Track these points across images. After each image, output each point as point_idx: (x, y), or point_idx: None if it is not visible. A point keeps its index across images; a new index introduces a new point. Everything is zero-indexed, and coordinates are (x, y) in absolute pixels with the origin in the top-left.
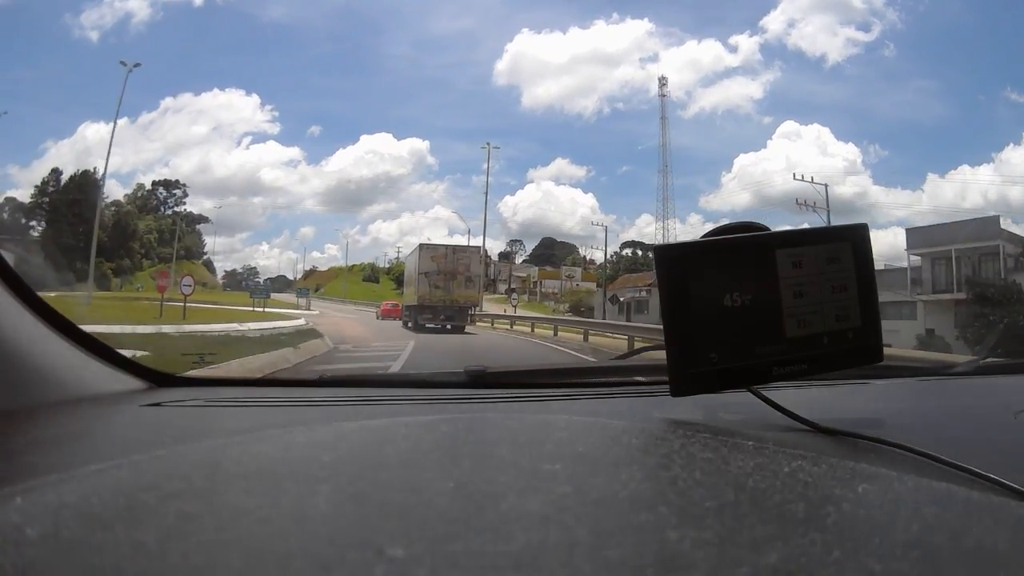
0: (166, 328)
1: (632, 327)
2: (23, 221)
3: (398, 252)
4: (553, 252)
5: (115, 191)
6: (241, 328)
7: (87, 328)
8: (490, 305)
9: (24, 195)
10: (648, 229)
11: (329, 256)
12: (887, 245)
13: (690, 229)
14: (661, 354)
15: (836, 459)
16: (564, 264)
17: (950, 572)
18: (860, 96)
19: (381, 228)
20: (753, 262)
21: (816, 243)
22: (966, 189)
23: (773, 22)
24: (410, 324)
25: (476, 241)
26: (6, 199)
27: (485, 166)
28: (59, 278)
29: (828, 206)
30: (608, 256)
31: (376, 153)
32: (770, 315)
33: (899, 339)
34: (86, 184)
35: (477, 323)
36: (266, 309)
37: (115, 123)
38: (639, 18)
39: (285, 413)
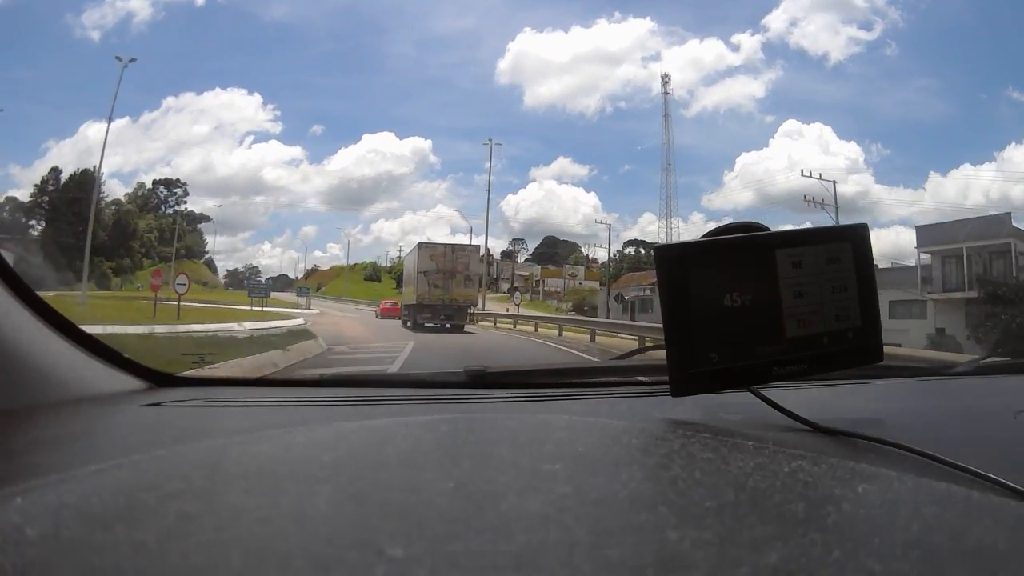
0: (152, 328)
1: (642, 327)
2: (23, 220)
3: (400, 251)
4: (555, 251)
5: (117, 191)
6: (233, 328)
7: None
8: (493, 304)
9: (25, 195)
10: (651, 228)
11: (331, 255)
12: (890, 244)
13: (693, 228)
14: (661, 354)
15: (836, 459)
16: (567, 263)
17: (950, 572)
18: (862, 95)
19: (383, 227)
20: (753, 262)
21: (816, 243)
22: (968, 188)
23: (775, 21)
24: (409, 323)
25: (478, 239)
26: (7, 199)
27: (487, 164)
28: (58, 277)
29: (836, 203)
30: (611, 255)
31: (378, 152)
32: (770, 315)
33: (909, 338)
34: (86, 183)
35: (479, 322)
36: (265, 308)
37: (110, 120)
38: (641, 17)
39: (285, 413)
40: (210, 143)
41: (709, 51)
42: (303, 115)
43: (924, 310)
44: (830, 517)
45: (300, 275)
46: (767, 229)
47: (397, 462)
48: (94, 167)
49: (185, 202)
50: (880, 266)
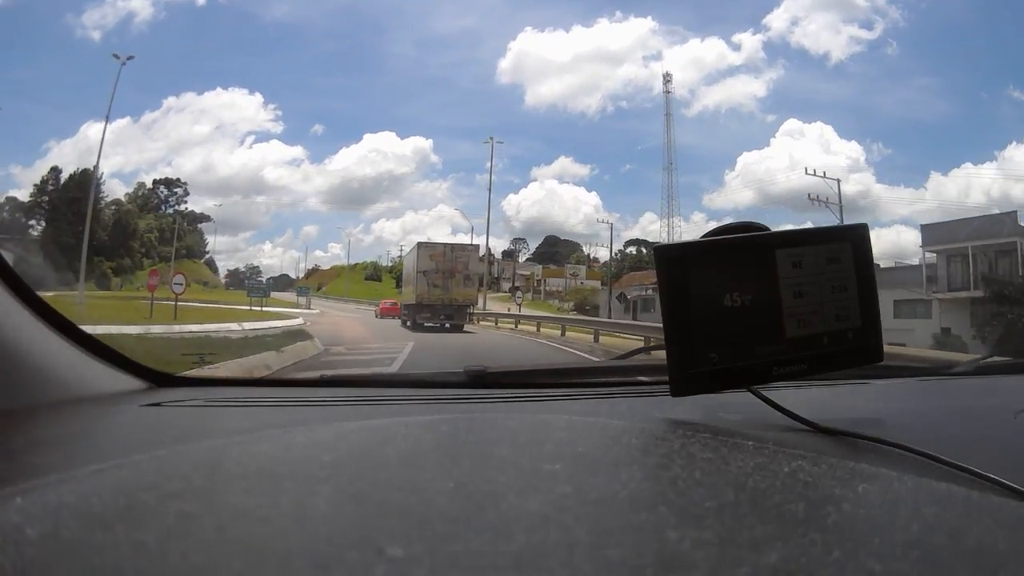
0: (146, 329)
1: (647, 327)
2: (23, 220)
3: (401, 251)
4: (557, 250)
5: (118, 191)
6: (228, 328)
7: None
8: (494, 304)
9: (25, 195)
10: (652, 227)
11: (332, 255)
12: (891, 243)
13: (694, 227)
14: (661, 354)
15: (836, 459)
16: (568, 262)
17: (950, 572)
18: (863, 94)
19: (384, 227)
20: (753, 262)
21: (816, 243)
22: (969, 187)
23: (776, 20)
24: (409, 323)
25: (480, 239)
26: (7, 199)
27: (488, 163)
28: (58, 277)
29: (840, 201)
30: (613, 254)
31: (379, 152)
32: (770, 315)
33: (914, 338)
34: (86, 183)
35: (480, 322)
36: (264, 308)
37: (107, 118)
38: (642, 16)
39: (285, 413)
40: (211, 143)
41: (710, 50)
42: (304, 115)
43: (929, 309)
44: (830, 517)
45: (301, 275)
46: (767, 229)
47: (397, 462)
48: (94, 167)
49: (185, 202)
50: (884, 265)
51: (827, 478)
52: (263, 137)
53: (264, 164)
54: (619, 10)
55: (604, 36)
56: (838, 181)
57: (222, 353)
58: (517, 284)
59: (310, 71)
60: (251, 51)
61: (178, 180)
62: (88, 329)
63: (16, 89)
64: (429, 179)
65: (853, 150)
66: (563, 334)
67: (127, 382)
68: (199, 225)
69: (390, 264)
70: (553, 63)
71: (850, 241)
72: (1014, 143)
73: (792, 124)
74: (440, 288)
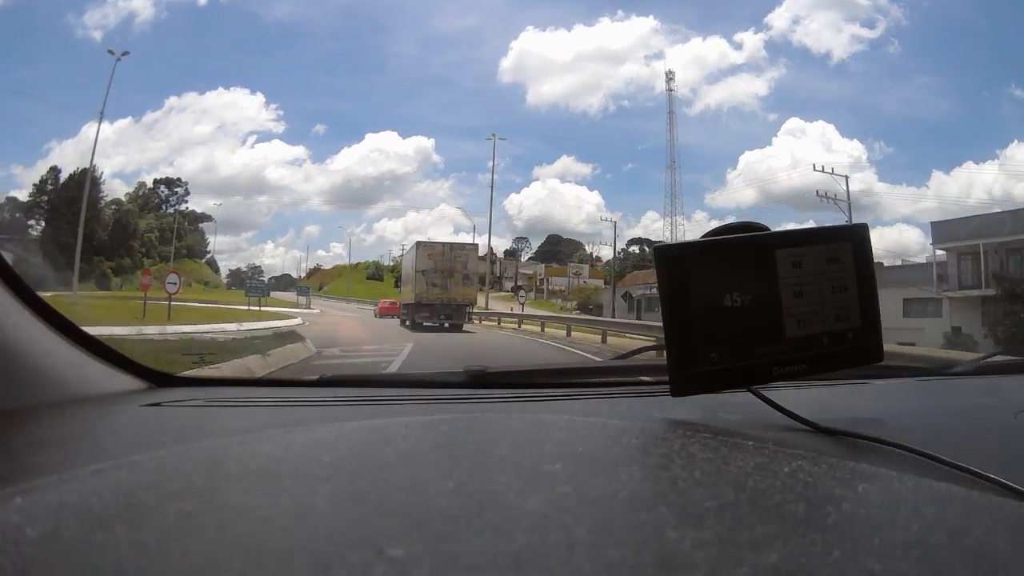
0: (128, 330)
1: (655, 327)
2: (23, 220)
3: (402, 250)
4: (559, 249)
5: (120, 191)
6: (220, 329)
7: None
8: (497, 303)
9: (26, 195)
10: (654, 226)
11: (335, 254)
12: (893, 242)
13: (696, 226)
14: (661, 354)
15: (836, 459)
16: (571, 261)
17: (950, 572)
18: (865, 93)
19: (386, 226)
20: (753, 262)
21: (816, 243)
22: (971, 185)
23: (778, 19)
24: (408, 323)
25: (482, 238)
26: (7, 199)
27: (490, 162)
28: (57, 277)
29: (848, 198)
30: (616, 253)
31: (381, 151)
32: (770, 315)
33: (924, 337)
34: (85, 182)
35: (483, 322)
36: (263, 308)
37: (102, 115)
38: (644, 15)
39: (285, 413)
40: (213, 143)
41: (712, 49)
42: (306, 114)
43: (939, 308)
44: (830, 517)
45: (303, 275)
46: (767, 229)
47: (397, 462)
48: (95, 166)
49: (186, 202)
50: (891, 264)
51: (827, 478)
52: (265, 137)
53: (266, 164)
54: (621, 9)
55: (606, 35)
56: (846, 177)
57: (204, 358)
58: (520, 283)
59: (312, 71)
60: (253, 51)
61: (178, 180)
62: None
63: (17, 89)
64: (431, 179)
65: (855, 149)
66: (568, 334)
67: (127, 382)
68: (200, 225)
69: (392, 263)
70: (555, 62)
71: (850, 241)
72: (1015, 141)
73: (794, 123)
74: (439, 287)
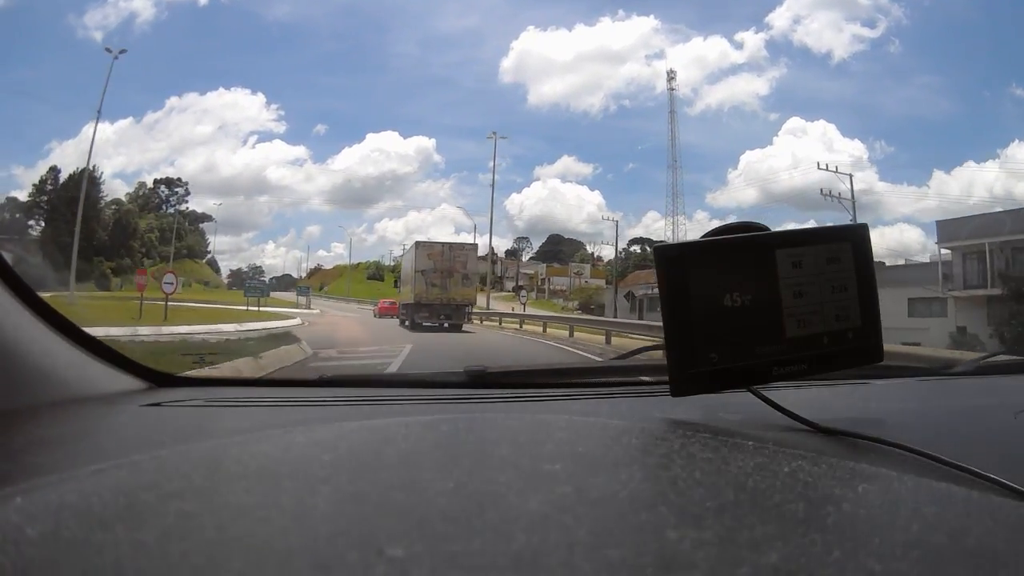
0: (114, 331)
1: (660, 327)
2: (22, 220)
3: (403, 250)
4: (560, 249)
5: (120, 191)
6: (217, 330)
7: None
8: (498, 303)
9: (26, 195)
10: (655, 226)
11: (336, 254)
12: (895, 241)
13: (697, 225)
14: (661, 354)
15: (836, 459)
16: (572, 261)
17: (950, 572)
18: (866, 92)
19: (388, 226)
20: (753, 262)
21: (816, 243)
22: (972, 185)
23: (779, 18)
24: (407, 323)
25: (483, 237)
26: (7, 199)
27: (491, 162)
28: (57, 277)
29: (853, 196)
30: (618, 252)
31: (382, 151)
32: (770, 315)
33: (929, 337)
34: (82, 182)
35: (484, 322)
36: (262, 308)
37: (98, 113)
38: (645, 15)
39: (285, 413)
40: (214, 143)
41: (713, 49)
42: (307, 115)
43: (945, 308)
44: (830, 517)
45: (304, 275)
46: (767, 229)
47: (397, 462)
48: (94, 166)
49: (186, 202)
50: (895, 263)
51: (827, 478)
52: (266, 137)
53: (267, 164)
54: (621, 9)
55: (606, 35)
56: (850, 176)
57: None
58: (521, 283)
59: (313, 71)
60: (254, 51)
61: (179, 180)
62: None
63: (18, 89)
64: (432, 179)
65: (856, 148)
66: (571, 335)
67: (127, 382)
68: (201, 225)
69: (392, 263)
70: (556, 62)
71: (850, 241)
72: (1016, 141)
73: (795, 122)
74: (438, 287)
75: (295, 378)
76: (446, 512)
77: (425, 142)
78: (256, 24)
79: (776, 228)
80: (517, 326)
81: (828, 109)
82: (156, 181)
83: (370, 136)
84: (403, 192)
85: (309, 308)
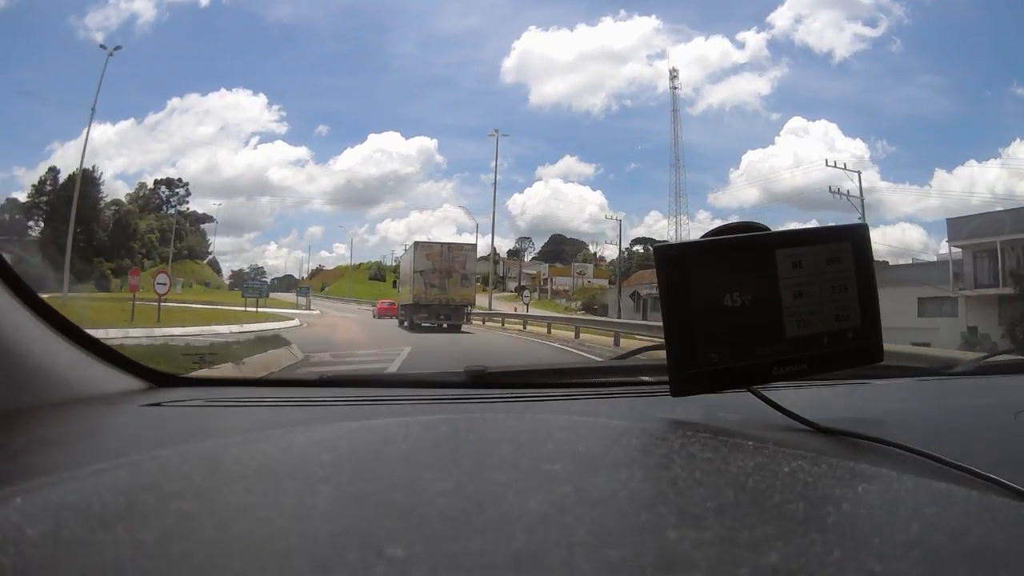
0: (108, 333)
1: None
2: (22, 221)
3: (404, 250)
4: (563, 249)
5: (122, 192)
6: (208, 332)
7: None
8: (500, 303)
9: (25, 196)
10: (657, 226)
11: (338, 255)
12: (896, 240)
13: (700, 225)
14: (661, 354)
15: (836, 459)
16: (575, 261)
17: (950, 572)
18: (867, 92)
19: (389, 227)
20: (753, 262)
21: (816, 243)
22: (974, 184)
23: (780, 18)
24: (406, 323)
25: (485, 237)
26: (8, 200)
27: (493, 161)
28: (56, 278)
29: (861, 194)
30: (621, 252)
31: (384, 152)
32: (770, 315)
33: (940, 337)
34: (85, 183)
35: (486, 323)
36: (260, 309)
37: (93, 110)
38: (646, 15)
39: (285, 413)
40: (215, 144)
41: (714, 48)
42: (308, 115)
43: (955, 307)
44: (830, 517)
45: (305, 275)
46: (767, 229)
47: (397, 462)
48: (93, 166)
49: (187, 202)
50: (900, 263)
51: (827, 478)
52: (267, 138)
53: (269, 165)
54: (623, 9)
55: (608, 35)
56: (859, 173)
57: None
58: (524, 284)
59: (314, 71)
60: (255, 52)
61: (179, 180)
62: None
63: (19, 90)
64: (434, 179)
65: (858, 147)
66: (577, 336)
67: (127, 382)
68: (202, 226)
69: (394, 264)
70: (557, 62)
71: (850, 241)
72: (1018, 140)
73: (797, 122)
74: (437, 288)
75: (295, 378)
76: (446, 512)
77: (427, 142)
78: (257, 25)
79: (778, 228)
80: (521, 327)
81: (830, 108)
82: (156, 182)
83: (372, 137)
84: (405, 193)
85: (309, 309)
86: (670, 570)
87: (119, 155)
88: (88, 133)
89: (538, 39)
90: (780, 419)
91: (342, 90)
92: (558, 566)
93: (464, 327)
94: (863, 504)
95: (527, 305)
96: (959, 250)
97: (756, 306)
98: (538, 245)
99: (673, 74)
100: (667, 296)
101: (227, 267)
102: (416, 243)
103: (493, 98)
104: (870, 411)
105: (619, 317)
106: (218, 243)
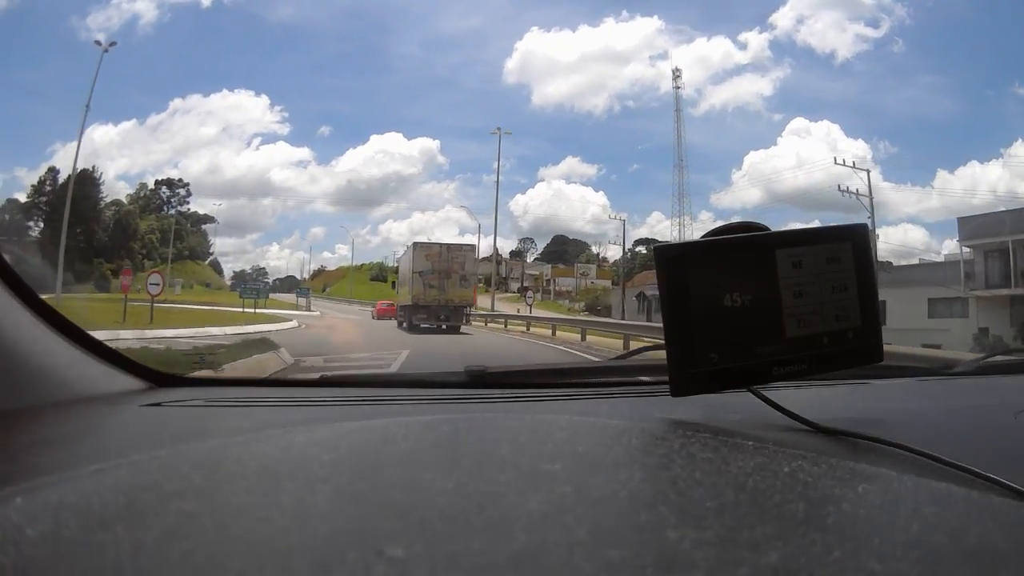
0: (99, 335)
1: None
2: (22, 221)
3: (404, 251)
4: (565, 249)
5: (123, 192)
6: (203, 334)
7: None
8: (503, 304)
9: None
10: (659, 227)
11: (340, 256)
12: (898, 241)
13: (702, 225)
14: (661, 354)
15: (836, 459)
16: (577, 262)
17: (950, 572)
18: (869, 92)
19: (392, 228)
20: (753, 262)
21: (816, 243)
22: (976, 185)
23: (782, 19)
24: (405, 325)
25: (487, 238)
26: (8, 201)
27: (495, 162)
28: (54, 278)
29: (871, 193)
30: (624, 252)
31: (386, 153)
32: (770, 315)
33: (951, 339)
34: (84, 183)
35: (488, 324)
36: (258, 311)
37: (87, 107)
38: (649, 15)
39: (285, 413)
40: (217, 145)
41: (717, 49)
42: (310, 116)
43: (966, 308)
44: (830, 517)
45: (307, 276)
46: (767, 229)
47: (397, 462)
48: (93, 166)
49: (188, 203)
50: (899, 264)
51: (827, 478)
52: (269, 139)
53: (271, 166)
54: (625, 9)
55: (610, 35)
56: (868, 172)
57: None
58: (526, 284)
59: (316, 72)
60: (257, 53)
61: (180, 180)
62: None
63: (20, 91)
64: (436, 180)
65: (860, 148)
66: (583, 339)
67: (127, 382)
68: (203, 226)
69: (395, 265)
70: (560, 63)
71: (850, 241)
72: (1020, 140)
73: (799, 123)
74: (436, 289)
75: (296, 378)
76: (446, 512)
77: (429, 143)
78: (259, 26)
79: (780, 228)
80: (524, 329)
81: (832, 109)
82: (157, 182)
83: (374, 138)
84: (407, 193)
85: (309, 310)
86: (670, 570)
87: (121, 156)
88: (82, 131)
89: (540, 40)
90: (780, 419)
91: (344, 91)
92: (558, 566)
93: (463, 328)
94: (863, 504)
95: (530, 306)
96: (969, 250)
97: (756, 306)
98: (540, 246)
99: (676, 74)
100: (667, 296)
101: (229, 268)
102: (415, 244)
103: (495, 99)
104: (870, 411)
105: (623, 318)
106: (220, 244)
